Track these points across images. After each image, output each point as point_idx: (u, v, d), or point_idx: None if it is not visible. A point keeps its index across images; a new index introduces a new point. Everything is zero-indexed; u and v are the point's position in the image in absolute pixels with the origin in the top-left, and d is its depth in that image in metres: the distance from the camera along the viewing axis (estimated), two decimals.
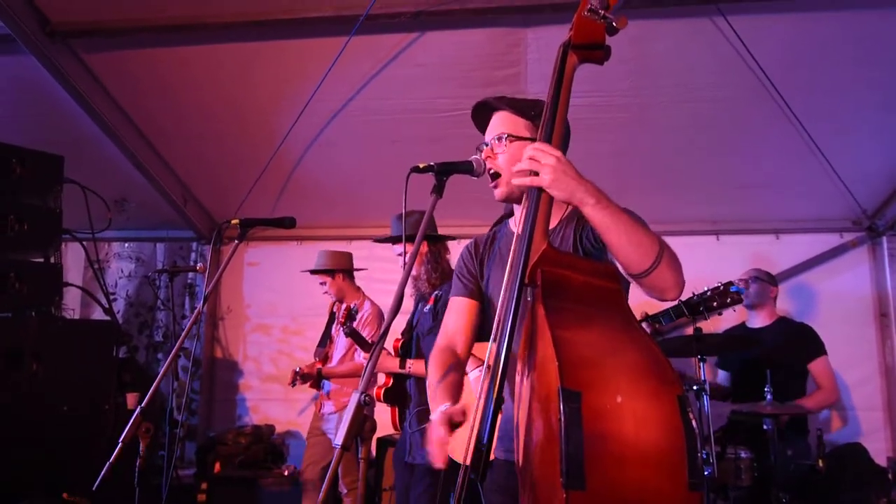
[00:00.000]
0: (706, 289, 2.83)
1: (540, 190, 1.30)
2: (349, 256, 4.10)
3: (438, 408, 1.48)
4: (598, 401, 1.02)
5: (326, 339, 4.23)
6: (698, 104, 3.57)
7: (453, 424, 1.40)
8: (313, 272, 4.03)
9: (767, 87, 3.36)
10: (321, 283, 4.02)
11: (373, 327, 3.83)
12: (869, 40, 3.18)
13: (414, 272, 3.06)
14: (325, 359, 4.13)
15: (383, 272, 4.55)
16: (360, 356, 3.87)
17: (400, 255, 3.24)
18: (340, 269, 4.00)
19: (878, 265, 4.37)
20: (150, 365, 4.97)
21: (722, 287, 2.81)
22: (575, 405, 0.99)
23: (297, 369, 3.96)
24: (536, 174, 1.28)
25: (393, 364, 2.97)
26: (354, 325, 3.87)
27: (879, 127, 3.66)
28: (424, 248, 3.04)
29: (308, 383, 4.03)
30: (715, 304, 2.80)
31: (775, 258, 4.31)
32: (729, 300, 2.80)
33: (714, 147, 3.89)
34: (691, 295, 2.84)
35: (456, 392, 1.60)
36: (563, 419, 0.99)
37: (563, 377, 1.01)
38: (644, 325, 2.88)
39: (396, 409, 3.04)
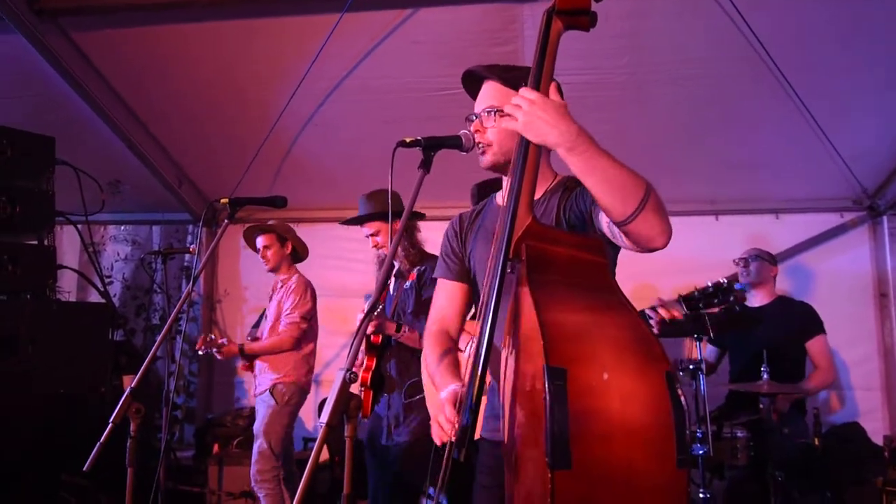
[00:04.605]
0: (708, 284, 2.68)
1: (524, 158, 1.27)
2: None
3: (448, 387, 1.50)
4: (584, 377, 1.00)
5: (261, 320, 4.05)
6: (697, 81, 3.52)
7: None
8: (262, 231, 3.84)
9: (768, 64, 3.31)
10: (265, 246, 3.81)
11: (297, 295, 3.74)
12: (870, 16, 3.12)
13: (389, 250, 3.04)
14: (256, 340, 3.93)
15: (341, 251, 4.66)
16: (285, 323, 3.69)
17: (369, 235, 3.22)
18: (292, 239, 3.87)
19: (879, 245, 4.34)
20: (147, 348, 4.97)
21: (725, 283, 2.64)
22: (560, 383, 0.97)
23: (211, 336, 3.75)
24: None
25: (390, 327, 2.96)
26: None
27: (880, 105, 3.60)
28: (397, 224, 2.99)
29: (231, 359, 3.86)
30: (716, 300, 2.63)
31: (775, 238, 4.27)
32: (732, 298, 2.63)
33: (713, 125, 3.85)
34: (693, 291, 2.68)
35: (456, 372, 1.61)
36: (548, 397, 0.97)
37: (547, 354, 0.99)
38: (660, 310, 2.73)
39: (371, 393, 3.04)
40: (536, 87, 1.29)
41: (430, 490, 1.39)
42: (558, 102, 1.27)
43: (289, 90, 3.76)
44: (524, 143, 1.28)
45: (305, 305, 3.76)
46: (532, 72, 1.32)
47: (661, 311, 2.58)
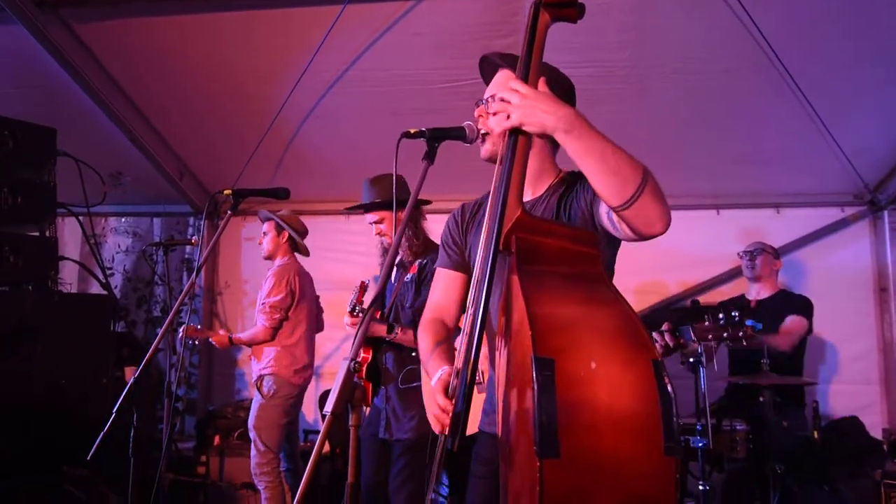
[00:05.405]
0: (721, 315, 2.60)
1: (513, 150, 1.26)
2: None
3: (435, 374, 1.48)
4: (572, 367, 1.00)
5: None
6: (700, 75, 3.50)
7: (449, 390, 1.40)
8: (267, 218, 3.84)
9: (771, 59, 3.30)
10: (264, 233, 3.82)
11: (270, 283, 3.69)
12: (873, 13, 3.11)
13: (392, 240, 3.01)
14: None
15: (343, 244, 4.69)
16: (261, 319, 3.67)
17: (373, 223, 3.18)
18: (289, 229, 3.83)
19: (879, 239, 4.34)
20: (148, 340, 4.98)
21: (737, 317, 2.55)
22: (548, 373, 0.98)
23: (198, 327, 3.77)
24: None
25: (380, 329, 2.92)
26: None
27: (882, 100, 3.60)
28: (401, 214, 2.94)
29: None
30: (725, 334, 2.56)
31: (776, 232, 4.27)
32: (741, 333, 2.55)
33: (715, 120, 3.84)
34: (705, 319, 2.62)
35: (450, 358, 1.59)
36: (535, 387, 0.97)
37: (535, 345, 1.00)
38: (666, 336, 2.66)
39: (370, 386, 3.04)
40: (525, 80, 1.29)
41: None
42: (548, 93, 1.28)
43: (290, 82, 3.75)
44: (512, 135, 1.28)
45: (279, 294, 3.64)
46: (520, 65, 1.32)
47: (668, 338, 2.57)
